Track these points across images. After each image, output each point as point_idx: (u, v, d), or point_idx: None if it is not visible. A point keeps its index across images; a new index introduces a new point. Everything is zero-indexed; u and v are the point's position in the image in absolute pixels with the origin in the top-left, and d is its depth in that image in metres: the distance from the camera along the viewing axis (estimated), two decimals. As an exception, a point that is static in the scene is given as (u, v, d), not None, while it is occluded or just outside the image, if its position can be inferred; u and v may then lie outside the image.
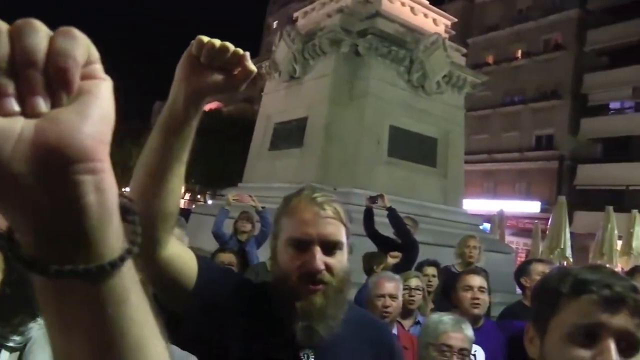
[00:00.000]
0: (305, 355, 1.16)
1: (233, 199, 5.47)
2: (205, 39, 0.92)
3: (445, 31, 11.32)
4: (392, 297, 2.66)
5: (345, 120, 9.36)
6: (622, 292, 0.85)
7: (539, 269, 3.21)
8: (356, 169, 9.13)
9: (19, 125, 0.35)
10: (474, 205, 32.23)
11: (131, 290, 0.42)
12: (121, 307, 0.41)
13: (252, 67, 0.96)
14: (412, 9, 10.86)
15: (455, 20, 12.09)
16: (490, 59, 36.50)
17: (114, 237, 0.40)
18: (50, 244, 0.38)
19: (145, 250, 0.97)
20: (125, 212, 0.43)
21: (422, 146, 10.09)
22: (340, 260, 1.18)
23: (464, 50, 11.97)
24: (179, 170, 1.04)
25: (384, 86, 9.67)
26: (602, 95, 31.59)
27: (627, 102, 31.58)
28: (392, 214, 4.92)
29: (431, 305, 3.63)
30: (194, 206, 38.80)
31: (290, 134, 10.24)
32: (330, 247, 1.16)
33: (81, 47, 0.37)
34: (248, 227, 5.22)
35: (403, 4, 10.72)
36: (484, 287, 2.65)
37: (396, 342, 1.47)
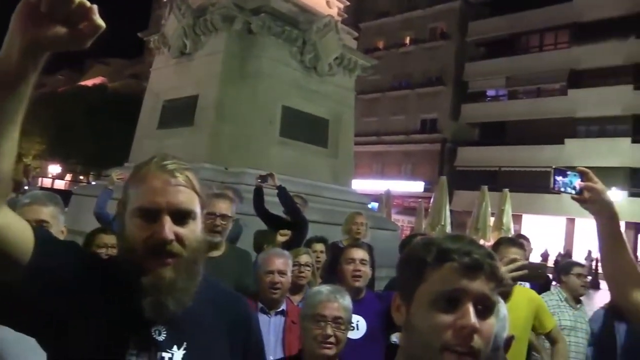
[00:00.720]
0: (157, 332, 1.11)
1: (117, 178, 5.16)
2: None
3: (338, 14, 11.48)
4: (281, 273, 2.69)
5: (237, 99, 9.23)
6: (480, 259, 0.92)
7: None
8: (248, 148, 9.06)
9: None
10: (363, 185, 33.36)
11: None
12: None
13: (100, 22, 0.86)
14: (305, -11, 10.87)
15: (349, 3, 12.30)
16: (380, 44, 37.70)
17: None
18: None
19: None
20: None
21: (314, 127, 10.22)
22: (193, 230, 1.12)
23: (356, 34, 12.24)
24: (13, 133, 0.91)
25: (276, 66, 9.64)
26: (480, 83, 33.95)
27: (501, 90, 34.22)
28: (282, 193, 4.97)
29: (319, 280, 3.73)
30: (75, 187, 36.46)
31: (180, 112, 9.90)
32: (182, 216, 1.10)
33: None
34: None
35: (296, -16, 10.70)
36: (365, 260, 2.76)
37: (253, 313, 1.43)
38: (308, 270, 3.36)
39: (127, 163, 11.07)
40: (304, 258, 3.34)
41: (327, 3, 11.25)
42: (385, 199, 21.02)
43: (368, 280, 2.77)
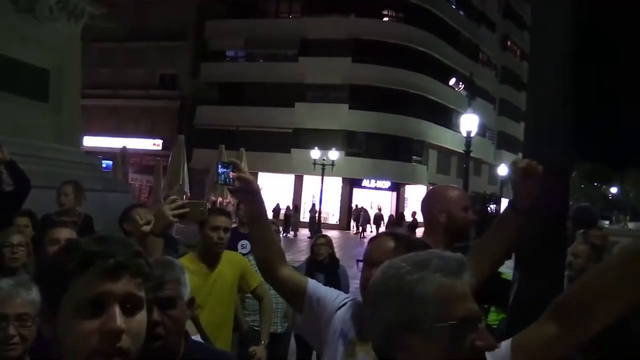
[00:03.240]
0: None
1: None
2: None
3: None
4: None
5: None
6: (124, 260, 0.93)
7: (140, 213, 3.42)
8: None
9: None
10: (97, 142, 31.10)
11: None
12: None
13: None
14: None
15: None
16: (116, -11, 34.86)
17: None
18: None
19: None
20: None
21: (31, 78, 9.06)
22: None
23: (82, -23, 11.12)
24: None
25: (-20, 4, 8.21)
26: (220, 43, 34.32)
27: (240, 51, 35.22)
28: (12, 167, 4.52)
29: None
30: None
31: None
32: None
33: None
34: None
35: None
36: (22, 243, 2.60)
37: None
38: (22, 251, 3.09)
39: None
40: (17, 238, 3.06)
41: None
42: (121, 158, 20.01)
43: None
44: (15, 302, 1.82)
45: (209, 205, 2.33)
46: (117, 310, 0.90)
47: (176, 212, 2.06)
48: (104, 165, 14.67)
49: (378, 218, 29.35)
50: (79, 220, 4.74)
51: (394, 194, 34.17)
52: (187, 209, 2.09)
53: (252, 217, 1.96)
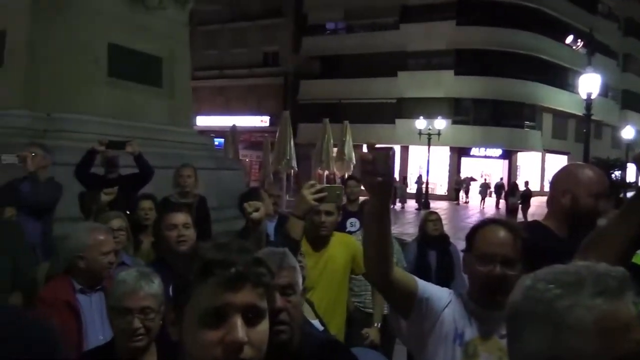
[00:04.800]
0: None
1: None
2: None
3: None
4: (107, 253, 2.58)
5: (54, 36, 8.25)
6: (244, 270, 0.92)
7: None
8: (71, 91, 8.24)
9: None
10: (207, 121, 32.67)
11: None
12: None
13: None
14: None
15: None
16: (218, -28, 35.96)
17: None
18: None
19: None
20: None
21: (146, 65, 9.57)
22: None
23: (186, -37, 11.48)
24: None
25: (97, -2, 8.75)
26: (319, 16, 34.27)
27: (340, 23, 34.96)
28: (140, 159, 4.97)
29: (151, 239, 3.62)
30: None
31: (-17, 51, 8.64)
32: None
33: None
34: None
35: None
36: (188, 223, 2.71)
37: None
38: (122, 235, 3.27)
39: None
40: (116, 222, 3.24)
41: None
42: (232, 136, 20.84)
43: (194, 241, 2.73)
44: (138, 295, 1.87)
45: (317, 183, 2.32)
46: (238, 321, 0.91)
47: (315, 195, 2.18)
48: (216, 144, 15.34)
49: (485, 187, 28.25)
50: (194, 201, 4.93)
51: (506, 162, 32.55)
52: (325, 193, 2.21)
53: (378, 211, 1.58)
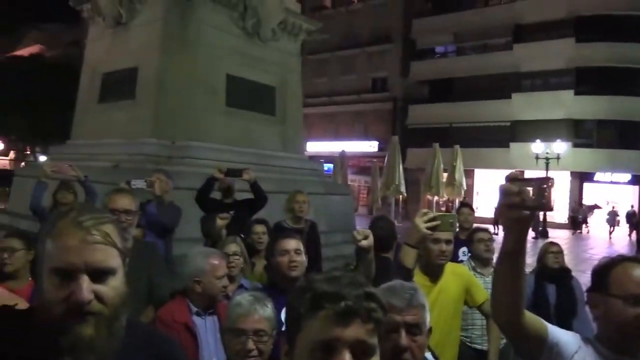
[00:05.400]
0: None
1: (50, 170, 4.88)
2: None
3: (280, -24, 11.17)
4: (221, 277, 2.71)
5: (179, 69, 8.94)
6: (354, 304, 0.91)
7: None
8: (193, 120, 8.85)
9: None
10: (317, 147, 33.41)
11: None
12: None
13: None
14: (244, -49, 10.49)
15: (289, -36, 11.95)
16: (327, 3, 37.15)
17: None
18: None
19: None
20: None
21: (260, 95, 10.05)
22: (114, 287, 1.10)
23: (299, -4, 11.96)
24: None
25: (217, 33, 9.36)
26: (428, 40, 34.01)
27: (450, 46, 34.43)
28: (256, 186, 5.20)
29: (263, 262, 3.72)
30: (23, 164, 35.01)
31: (120, 86, 9.54)
32: (100, 274, 1.08)
33: None
34: (70, 198, 4.64)
35: (235, -54, 10.30)
36: (299, 249, 2.75)
37: (180, 353, 1.43)
38: (238, 259, 3.38)
39: (70, 140, 10.67)
40: (232, 247, 3.36)
41: (268, -35, 10.89)
42: (340, 161, 21.13)
43: (306, 267, 2.77)
44: (253, 318, 1.94)
45: (430, 211, 2.26)
46: (347, 356, 0.89)
47: (429, 224, 2.17)
48: (325, 169, 15.61)
49: (613, 215, 25.96)
50: (305, 227, 5.02)
51: (636, 188, 29.78)
52: (438, 222, 2.20)
53: (514, 249, 1.41)
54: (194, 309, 2.63)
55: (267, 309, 1.98)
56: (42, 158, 28.10)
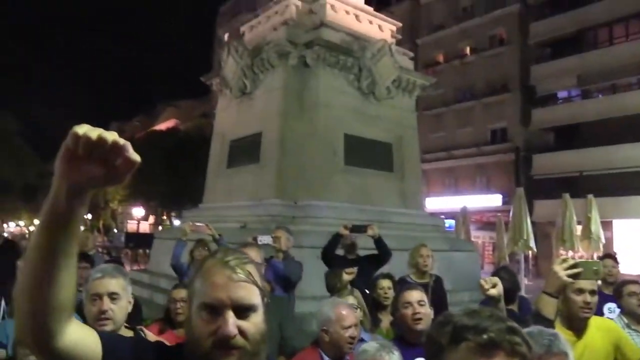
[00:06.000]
0: None
1: (190, 230, 5.37)
2: (81, 131, 0.89)
3: (392, 36, 11.47)
4: (355, 325, 2.72)
5: (299, 132, 9.37)
6: (496, 337, 0.88)
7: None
8: (314, 180, 9.13)
9: None
10: (437, 203, 32.74)
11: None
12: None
13: (135, 157, 0.94)
14: (356, 16, 10.97)
15: (400, 25, 12.25)
16: (440, 58, 37.26)
17: None
18: None
19: (41, 344, 1.01)
20: None
21: (377, 152, 10.17)
22: (255, 323, 1.16)
23: (412, 54, 12.14)
24: (69, 263, 1.00)
25: (334, 95, 9.73)
26: (549, 85, 32.58)
27: (574, 90, 32.67)
28: (380, 242, 5.27)
29: (390, 318, 3.64)
30: (160, 228, 38.07)
31: (246, 150, 10.18)
32: (244, 310, 1.15)
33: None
34: (206, 255, 5.00)
35: (347, 13, 10.81)
36: (423, 301, 2.68)
37: None
38: (357, 312, 3.35)
39: (202, 204, 11.46)
40: (350, 300, 3.37)
41: (379, 27, 11.27)
42: (462, 217, 20.43)
43: (431, 320, 2.67)
44: None
45: (570, 257, 2.09)
46: None
47: (570, 271, 2.03)
48: (446, 225, 15.17)
49: None
50: (430, 281, 4.87)
51: None
52: (580, 269, 2.04)
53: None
54: (326, 359, 2.64)
55: (394, 356, 1.94)
56: (177, 222, 30.38)
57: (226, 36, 47.04)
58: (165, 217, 43.10)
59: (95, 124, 0.90)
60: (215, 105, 12.28)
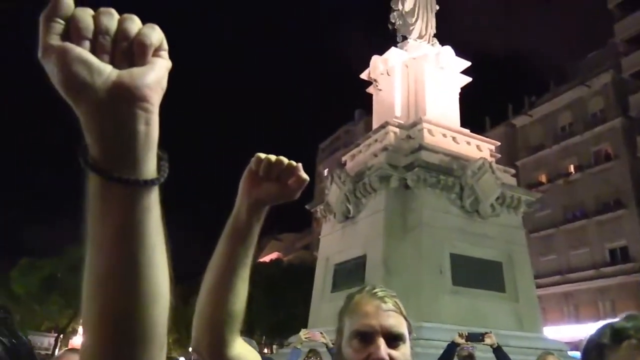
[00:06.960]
0: None
1: (305, 337, 5.40)
2: (263, 155, 1.09)
3: (491, 155, 11.53)
4: None
5: (403, 252, 9.34)
6: None
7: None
8: (420, 300, 8.87)
9: (108, 69, 0.56)
10: (556, 332, 29.94)
11: (153, 209, 0.60)
12: (145, 214, 0.59)
13: (305, 176, 1.09)
14: (453, 138, 11.24)
15: (499, 143, 12.34)
16: (542, 178, 36.26)
17: (152, 163, 0.59)
18: (110, 157, 0.57)
19: (215, 349, 1.14)
20: (159, 157, 0.61)
21: (486, 271, 9.79)
22: (404, 353, 1.19)
23: (513, 171, 12.05)
24: (244, 274, 1.14)
25: (437, 215, 9.73)
26: (669, 199, 30.29)
27: (699, 203, 30.04)
28: (500, 351, 4.96)
29: None
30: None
31: (350, 273, 10.22)
32: (393, 338, 1.19)
33: (158, 37, 0.58)
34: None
35: (444, 136, 11.13)
36: None
37: None
38: None
39: (307, 329, 11.39)
40: None
41: (477, 147, 11.42)
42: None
43: None
44: None
45: None
46: None
47: None
48: (570, 354, 13.75)
49: None
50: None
51: None
52: None
53: None
54: None
55: None
56: (282, 350, 30.01)
57: (326, 171, 49.45)
58: (266, 350, 42.71)
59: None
60: (317, 237, 12.66)
